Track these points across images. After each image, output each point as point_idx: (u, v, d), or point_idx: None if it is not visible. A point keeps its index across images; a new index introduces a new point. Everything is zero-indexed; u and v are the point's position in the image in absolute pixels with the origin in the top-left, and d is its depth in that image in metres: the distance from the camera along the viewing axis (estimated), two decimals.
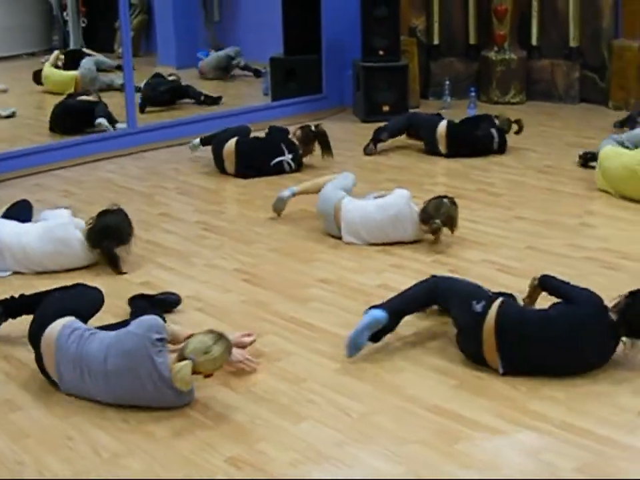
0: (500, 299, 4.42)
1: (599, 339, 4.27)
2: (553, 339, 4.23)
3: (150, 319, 4.15)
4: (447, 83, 10.75)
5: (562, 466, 3.60)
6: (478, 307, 4.38)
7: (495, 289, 4.86)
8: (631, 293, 4.31)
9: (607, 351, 4.32)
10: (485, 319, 4.33)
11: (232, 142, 7.92)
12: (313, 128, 7.96)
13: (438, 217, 5.96)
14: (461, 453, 3.71)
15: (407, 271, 5.71)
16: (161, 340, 4.04)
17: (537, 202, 7.16)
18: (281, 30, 10.85)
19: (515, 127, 8.55)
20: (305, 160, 8.10)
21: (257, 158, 7.95)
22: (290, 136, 8.02)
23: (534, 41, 11.34)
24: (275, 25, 10.95)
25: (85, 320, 4.41)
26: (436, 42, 11.38)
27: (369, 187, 7.24)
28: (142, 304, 4.96)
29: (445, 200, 6.05)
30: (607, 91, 10.85)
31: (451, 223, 6.02)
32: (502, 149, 8.50)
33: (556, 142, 9.13)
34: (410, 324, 4.89)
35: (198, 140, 8.29)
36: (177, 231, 6.63)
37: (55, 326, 4.25)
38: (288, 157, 7.91)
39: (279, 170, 7.93)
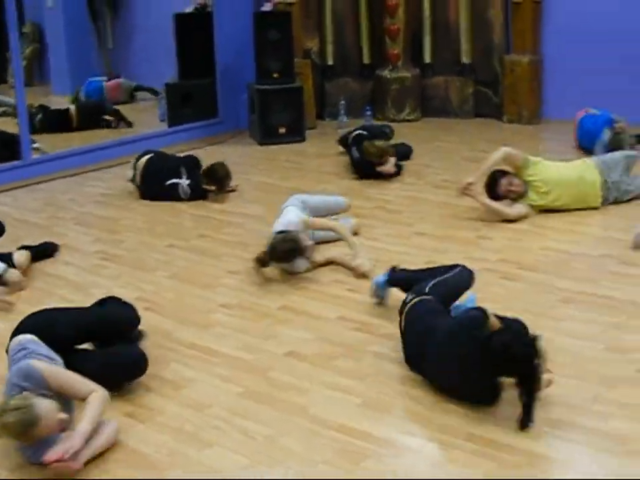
0: (421, 297, 4.57)
1: (464, 364, 4.18)
2: (426, 349, 4.35)
3: (27, 367, 3.94)
4: (342, 102, 10.82)
5: (470, 476, 3.64)
6: (408, 298, 4.67)
7: (397, 305, 4.90)
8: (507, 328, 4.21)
9: (474, 381, 4.18)
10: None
11: (147, 156, 7.90)
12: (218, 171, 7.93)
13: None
14: (369, 470, 3.72)
15: (308, 292, 5.72)
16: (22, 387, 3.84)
17: (435, 217, 7.24)
18: (175, 55, 10.82)
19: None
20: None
21: (156, 175, 7.91)
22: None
23: (427, 59, 11.50)
24: (169, 50, 10.91)
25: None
26: (330, 62, 11.45)
27: (268, 209, 7.26)
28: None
29: (291, 238, 5.91)
30: (500, 105, 11.04)
31: (272, 252, 5.91)
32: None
33: (452, 157, 9.25)
34: (311, 343, 4.91)
35: None
36: (76, 262, 6.53)
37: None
38: (184, 181, 7.85)
39: (173, 193, 7.86)
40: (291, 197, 6.67)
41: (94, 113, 11.23)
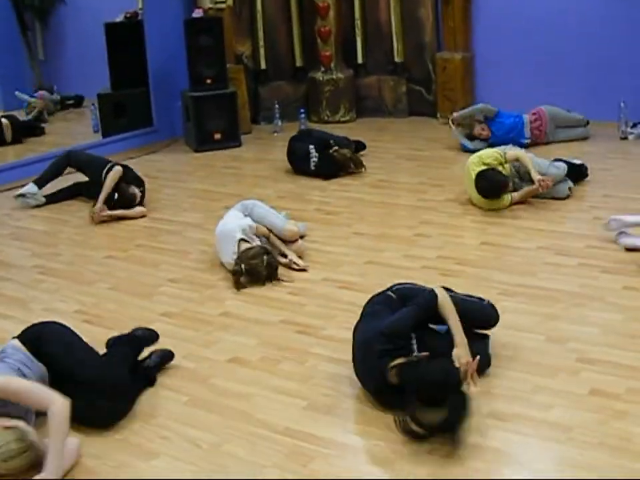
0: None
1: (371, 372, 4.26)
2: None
3: None
4: (277, 106, 10.83)
5: (416, 473, 3.67)
6: None
7: (338, 307, 4.96)
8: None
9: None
10: None
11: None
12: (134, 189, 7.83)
13: (243, 263, 5.90)
14: (316, 472, 3.73)
15: (248, 297, 5.73)
16: None
17: (373, 217, 7.28)
18: (107, 65, 10.74)
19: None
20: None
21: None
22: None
23: (359, 59, 11.54)
24: (101, 60, 10.83)
25: None
26: (263, 67, 11.44)
27: (206, 216, 7.25)
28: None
29: (265, 257, 5.92)
30: (434, 103, 11.12)
31: (254, 276, 5.90)
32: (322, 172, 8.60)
33: (388, 156, 9.30)
34: (254, 348, 4.92)
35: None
36: (14, 277, 6.46)
37: None
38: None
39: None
40: (240, 202, 6.65)
41: (27, 127, 11.10)
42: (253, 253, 5.90)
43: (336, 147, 8.55)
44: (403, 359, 4.08)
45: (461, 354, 4.21)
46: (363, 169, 8.55)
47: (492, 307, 4.71)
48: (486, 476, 3.63)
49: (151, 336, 4.92)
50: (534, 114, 9.31)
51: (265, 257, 5.88)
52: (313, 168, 8.56)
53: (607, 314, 5.16)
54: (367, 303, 4.62)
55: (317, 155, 8.53)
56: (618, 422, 3.98)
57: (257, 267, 5.85)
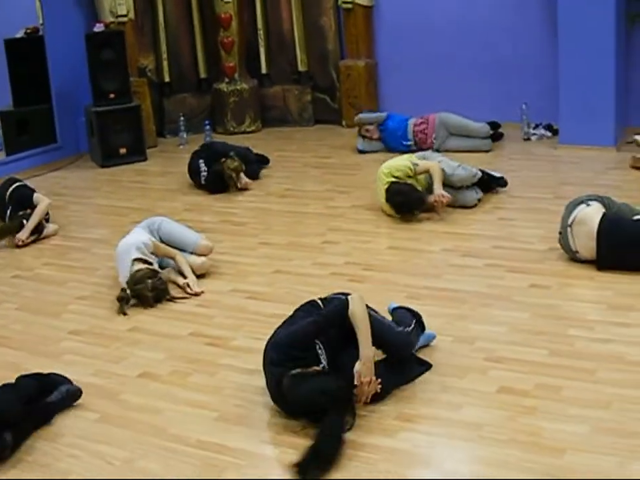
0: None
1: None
2: None
3: None
4: (182, 119, 10.78)
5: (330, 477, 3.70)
6: None
7: (247, 317, 4.98)
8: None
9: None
10: None
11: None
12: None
13: (129, 288, 5.83)
14: None
15: (157, 311, 5.72)
16: None
17: (281, 226, 7.31)
18: (8, 81, 10.59)
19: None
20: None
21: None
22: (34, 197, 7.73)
23: (263, 69, 11.55)
24: (1, 77, 10.67)
25: None
26: (167, 79, 11.37)
27: (113, 232, 7.20)
28: None
29: (149, 281, 5.82)
30: (339, 110, 11.18)
31: (142, 301, 5.82)
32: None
33: (294, 165, 9.34)
34: (164, 362, 4.90)
35: None
36: None
37: None
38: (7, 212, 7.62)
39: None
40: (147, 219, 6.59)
41: None
42: (138, 276, 5.81)
43: (224, 159, 8.45)
44: (299, 369, 4.08)
45: (363, 371, 4.14)
46: (241, 184, 8.41)
47: (408, 335, 4.61)
48: (398, 477, 3.67)
49: (72, 391, 4.58)
50: (422, 118, 9.43)
51: (149, 281, 5.77)
52: (203, 182, 8.54)
53: (513, 312, 5.25)
54: (296, 308, 4.59)
55: (205, 169, 8.50)
56: (527, 418, 4.05)
57: (142, 291, 5.76)
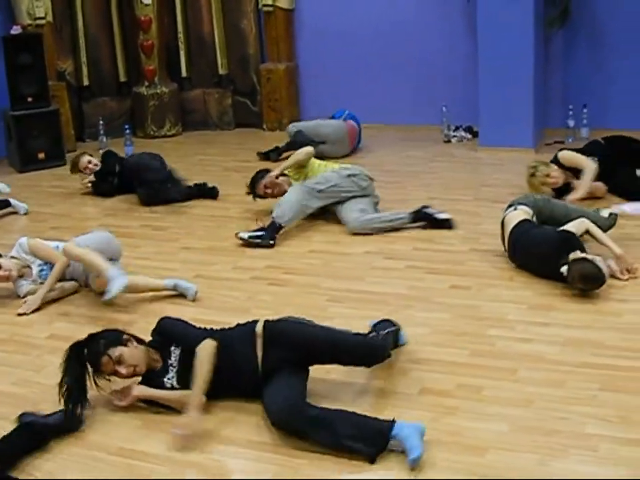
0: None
1: None
2: None
3: None
4: (101, 123, 10.68)
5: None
6: None
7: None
8: None
9: None
10: None
11: None
12: None
13: None
14: None
15: (76, 317, 5.65)
16: None
17: (201, 230, 7.29)
18: None
19: None
20: None
21: None
22: None
23: (184, 73, 11.51)
24: None
25: None
26: (86, 83, 11.27)
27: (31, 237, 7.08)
28: None
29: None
30: (260, 114, 11.19)
31: None
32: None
33: (214, 169, 9.32)
34: None
35: None
36: None
37: None
38: None
39: None
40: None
41: None
42: None
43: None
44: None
45: (184, 421, 4.07)
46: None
47: (371, 340, 4.42)
48: None
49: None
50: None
51: None
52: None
53: (434, 314, 5.30)
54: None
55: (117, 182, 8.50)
56: (449, 418, 4.08)
57: None
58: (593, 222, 5.90)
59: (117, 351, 4.29)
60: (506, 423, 4.00)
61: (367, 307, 5.41)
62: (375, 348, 4.36)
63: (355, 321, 5.15)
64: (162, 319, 4.53)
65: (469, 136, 10.00)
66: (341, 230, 6.99)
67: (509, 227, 5.89)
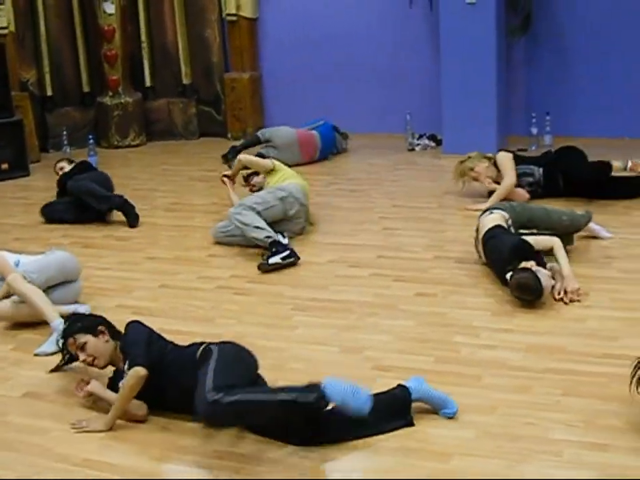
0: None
1: None
2: None
3: None
4: (65, 133, 10.63)
5: None
6: None
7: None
8: None
9: None
10: None
11: None
12: None
13: None
14: None
15: (41, 330, 5.47)
16: None
17: (166, 240, 7.26)
18: None
19: None
20: None
21: None
22: None
23: (148, 82, 11.48)
24: None
25: None
26: (49, 93, 11.19)
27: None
28: None
29: None
30: (224, 123, 11.18)
31: None
32: None
33: (179, 179, 9.29)
34: (49, 381, 4.81)
35: None
36: None
37: None
38: None
39: None
40: None
41: None
42: None
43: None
44: None
45: (93, 425, 4.26)
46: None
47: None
48: None
49: None
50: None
51: None
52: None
53: (399, 321, 5.31)
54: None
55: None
56: (415, 425, 4.08)
57: None
58: (570, 219, 6.11)
59: (83, 338, 4.40)
60: (471, 429, 4.01)
61: (332, 316, 5.42)
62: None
63: (319, 329, 5.19)
64: (130, 322, 4.51)
65: (433, 144, 10.05)
66: (305, 238, 7.00)
67: (482, 232, 5.92)
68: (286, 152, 9.35)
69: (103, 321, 4.58)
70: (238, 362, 4.14)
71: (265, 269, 6.28)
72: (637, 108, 9.49)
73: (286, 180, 7.21)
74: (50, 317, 5.30)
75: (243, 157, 7.61)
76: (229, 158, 9.46)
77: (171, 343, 4.49)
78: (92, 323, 4.51)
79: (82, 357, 4.44)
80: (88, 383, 4.46)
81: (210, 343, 4.27)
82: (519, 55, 9.88)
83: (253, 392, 3.89)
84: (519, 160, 7.63)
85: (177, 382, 4.18)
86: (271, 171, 7.33)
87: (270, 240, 6.47)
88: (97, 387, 4.42)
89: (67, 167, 8.43)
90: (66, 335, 4.53)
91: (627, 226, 6.87)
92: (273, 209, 6.85)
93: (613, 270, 5.97)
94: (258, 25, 11.11)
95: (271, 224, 6.71)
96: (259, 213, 6.70)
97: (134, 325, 4.49)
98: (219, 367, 3.97)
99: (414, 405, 4.15)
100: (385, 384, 4.45)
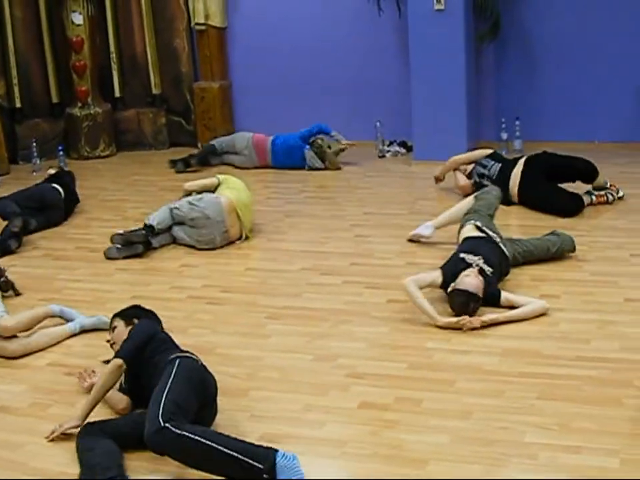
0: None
1: None
2: None
3: None
4: (34, 144, 10.58)
5: None
6: None
7: (105, 344, 4.86)
8: None
9: None
10: None
11: None
12: None
13: None
14: None
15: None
16: None
17: None
18: None
19: None
20: None
21: None
22: None
23: (117, 93, 11.44)
24: None
25: None
26: (18, 104, 11.13)
27: None
28: None
29: None
30: (194, 132, 11.17)
31: None
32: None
33: (150, 189, 9.25)
34: (23, 395, 4.79)
35: None
36: None
37: None
38: None
39: None
40: None
41: None
42: None
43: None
44: None
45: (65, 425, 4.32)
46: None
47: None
48: None
49: None
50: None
51: None
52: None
53: (372, 328, 5.33)
54: None
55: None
56: (389, 431, 4.11)
57: None
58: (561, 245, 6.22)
59: (116, 322, 4.79)
60: (446, 434, 4.03)
61: (305, 324, 5.43)
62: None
63: (292, 337, 5.20)
64: (140, 320, 4.68)
65: (403, 150, 10.07)
66: (276, 247, 7.00)
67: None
68: (244, 156, 9.71)
69: (148, 312, 4.89)
70: (194, 384, 4.11)
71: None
72: (606, 112, 9.54)
73: (225, 190, 7.36)
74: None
75: (188, 185, 7.76)
76: (176, 164, 9.84)
77: (174, 347, 4.50)
78: (132, 313, 4.82)
79: (108, 336, 4.82)
80: (83, 376, 4.75)
81: (179, 356, 4.27)
82: (488, 61, 9.91)
83: (206, 434, 3.77)
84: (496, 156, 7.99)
85: (151, 383, 4.16)
86: (218, 186, 7.50)
87: (147, 222, 7.13)
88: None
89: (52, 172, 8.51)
90: (116, 316, 4.85)
91: (596, 229, 6.93)
92: (187, 221, 7.18)
93: (585, 273, 6.01)
94: (227, 34, 11.10)
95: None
96: (171, 210, 7.23)
97: (140, 323, 4.64)
98: (174, 386, 3.99)
99: (398, 414, 4.16)
100: (359, 391, 4.50)
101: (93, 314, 5.78)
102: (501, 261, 5.76)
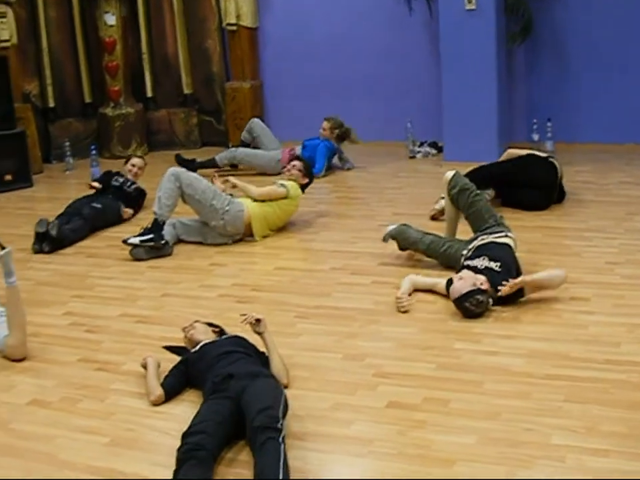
0: None
1: None
2: None
3: None
4: (67, 144, 10.66)
5: None
6: None
7: (136, 341, 4.92)
8: None
9: None
10: None
11: None
12: None
13: None
14: None
15: (44, 337, 5.55)
16: None
17: None
18: None
19: None
20: None
21: None
22: None
23: (149, 93, 11.53)
24: None
25: None
26: (52, 105, 11.25)
27: None
28: None
29: None
30: (225, 132, 11.22)
31: None
32: None
33: None
34: (53, 389, 4.83)
35: None
36: None
37: None
38: None
39: None
40: None
41: None
42: None
43: None
44: None
45: None
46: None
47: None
48: None
49: None
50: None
51: None
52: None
53: (400, 328, 5.32)
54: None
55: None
56: (416, 431, 4.10)
57: None
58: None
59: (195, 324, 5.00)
60: (473, 435, 4.02)
61: (335, 323, 5.44)
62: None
63: (322, 336, 5.21)
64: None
65: (434, 151, 10.08)
66: (306, 247, 7.03)
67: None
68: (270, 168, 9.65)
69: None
70: None
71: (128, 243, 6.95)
72: (638, 113, 9.51)
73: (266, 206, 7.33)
74: None
75: (258, 193, 7.42)
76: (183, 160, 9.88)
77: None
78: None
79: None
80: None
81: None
82: (519, 61, 9.91)
83: None
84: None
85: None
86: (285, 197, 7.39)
87: (155, 216, 7.08)
88: (151, 362, 4.74)
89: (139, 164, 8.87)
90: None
91: (628, 232, 6.91)
92: (193, 201, 7.29)
93: (616, 276, 5.99)
94: (258, 34, 11.16)
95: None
96: (180, 188, 7.21)
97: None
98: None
99: (425, 414, 4.18)
100: (387, 391, 4.50)
101: (123, 312, 5.85)
102: (508, 252, 5.82)
